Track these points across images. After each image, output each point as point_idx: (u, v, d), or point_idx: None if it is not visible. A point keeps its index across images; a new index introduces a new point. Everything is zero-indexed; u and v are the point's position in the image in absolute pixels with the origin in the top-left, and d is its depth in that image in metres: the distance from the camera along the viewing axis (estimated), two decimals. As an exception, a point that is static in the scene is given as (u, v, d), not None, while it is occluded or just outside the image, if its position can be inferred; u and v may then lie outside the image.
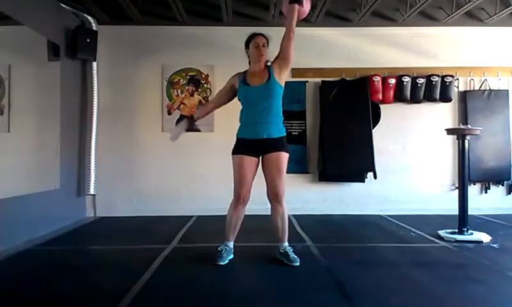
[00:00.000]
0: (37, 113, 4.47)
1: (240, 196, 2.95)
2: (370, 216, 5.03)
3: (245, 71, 3.07)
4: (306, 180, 5.31)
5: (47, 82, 4.54)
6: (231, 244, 3.05)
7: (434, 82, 5.24)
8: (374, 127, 5.22)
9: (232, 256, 3.04)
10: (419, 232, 4.11)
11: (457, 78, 5.35)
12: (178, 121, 3.12)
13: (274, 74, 2.95)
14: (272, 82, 2.94)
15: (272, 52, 3.04)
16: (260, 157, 2.97)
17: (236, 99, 3.10)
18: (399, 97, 5.27)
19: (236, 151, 2.99)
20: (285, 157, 2.95)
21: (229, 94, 3.12)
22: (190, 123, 3.14)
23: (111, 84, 5.24)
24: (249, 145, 2.95)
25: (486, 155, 5.23)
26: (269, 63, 3.03)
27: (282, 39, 2.98)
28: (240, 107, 3.06)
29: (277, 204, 2.95)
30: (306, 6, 3.00)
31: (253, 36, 3.01)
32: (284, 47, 2.96)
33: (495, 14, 4.88)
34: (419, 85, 5.25)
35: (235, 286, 2.63)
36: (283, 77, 3.00)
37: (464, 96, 5.38)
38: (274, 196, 2.94)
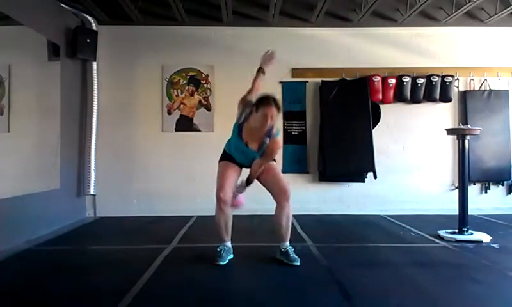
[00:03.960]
0: (37, 113, 4.47)
1: (220, 197, 2.95)
2: (370, 216, 5.03)
3: (248, 114, 2.94)
4: (306, 180, 5.31)
5: (47, 82, 4.54)
6: (228, 244, 3.07)
7: (434, 82, 5.24)
8: (374, 127, 5.22)
9: (231, 256, 3.05)
10: (419, 232, 4.10)
11: (457, 78, 5.35)
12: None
13: (265, 146, 2.93)
14: (261, 151, 2.96)
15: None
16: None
17: (235, 101, 3.06)
18: (399, 97, 5.27)
19: (222, 159, 3.11)
20: (275, 164, 3.08)
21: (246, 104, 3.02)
22: (247, 184, 3.10)
23: (111, 84, 5.24)
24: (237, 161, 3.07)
25: (486, 155, 5.22)
26: (267, 140, 2.92)
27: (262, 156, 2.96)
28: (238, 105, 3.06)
29: (286, 202, 2.98)
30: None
31: (266, 103, 2.80)
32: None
33: (495, 14, 4.88)
34: (419, 85, 5.25)
35: (235, 286, 2.64)
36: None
37: (464, 96, 5.38)
38: (283, 194, 2.98)
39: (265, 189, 3.07)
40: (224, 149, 3.15)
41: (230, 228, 3.06)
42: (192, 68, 5.34)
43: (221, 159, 3.12)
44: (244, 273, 2.88)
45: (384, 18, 5.16)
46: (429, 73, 5.27)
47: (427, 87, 5.26)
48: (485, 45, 5.40)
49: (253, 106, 2.87)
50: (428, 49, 5.37)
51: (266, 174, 3.01)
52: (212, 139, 5.15)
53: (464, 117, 5.28)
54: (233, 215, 3.06)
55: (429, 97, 5.27)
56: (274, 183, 3.01)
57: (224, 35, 5.23)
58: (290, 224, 3.03)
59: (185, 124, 5.30)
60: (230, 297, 2.41)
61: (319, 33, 5.30)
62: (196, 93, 5.34)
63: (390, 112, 5.31)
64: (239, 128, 2.97)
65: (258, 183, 3.06)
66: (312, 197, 5.26)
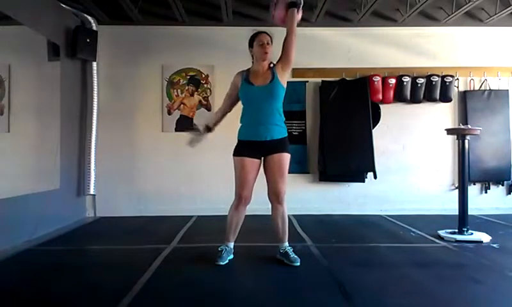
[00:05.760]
0: (37, 113, 4.47)
1: (241, 197, 2.95)
2: (370, 216, 5.03)
3: (248, 70, 3.05)
4: (306, 180, 5.31)
5: (47, 82, 4.54)
6: (231, 245, 3.06)
7: (434, 82, 5.24)
8: (374, 127, 5.22)
9: (232, 256, 3.04)
10: (419, 232, 4.10)
11: (457, 78, 5.35)
12: (191, 127, 3.21)
13: (277, 75, 2.95)
14: (276, 82, 2.93)
15: (274, 52, 3.04)
16: (262, 158, 2.97)
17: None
18: (399, 97, 5.27)
19: (237, 152, 2.98)
20: (287, 158, 2.95)
21: (234, 96, 3.06)
22: (207, 130, 3.15)
23: (111, 84, 5.24)
24: (251, 147, 2.93)
25: (486, 155, 5.22)
26: (272, 64, 3.02)
27: (284, 41, 2.98)
28: (241, 107, 3.05)
29: (278, 204, 2.96)
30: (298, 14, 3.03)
31: (256, 34, 2.99)
32: (285, 49, 2.96)
33: (495, 14, 4.88)
34: (419, 85, 5.25)
35: (235, 286, 2.63)
36: (285, 78, 3.00)
37: (464, 96, 5.38)
38: (275, 196, 2.95)
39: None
40: (238, 140, 3.01)
41: (238, 230, 3.05)
42: (192, 68, 5.34)
43: (234, 152, 2.98)
44: (244, 273, 2.88)
45: (384, 18, 5.16)
46: (429, 73, 5.27)
47: (427, 87, 5.26)
48: (485, 45, 5.40)
49: (249, 48, 3.03)
50: (428, 49, 5.37)
51: (272, 166, 2.92)
52: (212, 139, 5.12)
53: (464, 117, 5.28)
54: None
55: (429, 97, 5.27)
56: (273, 179, 2.93)
57: (224, 35, 5.23)
58: (286, 225, 3.01)
59: (185, 124, 5.29)
60: (230, 297, 2.41)
61: (319, 33, 5.30)
62: (196, 93, 5.34)
63: (390, 112, 5.31)
64: (246, 79, 2.96)
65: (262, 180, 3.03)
66: (312, 197, 5.26)
